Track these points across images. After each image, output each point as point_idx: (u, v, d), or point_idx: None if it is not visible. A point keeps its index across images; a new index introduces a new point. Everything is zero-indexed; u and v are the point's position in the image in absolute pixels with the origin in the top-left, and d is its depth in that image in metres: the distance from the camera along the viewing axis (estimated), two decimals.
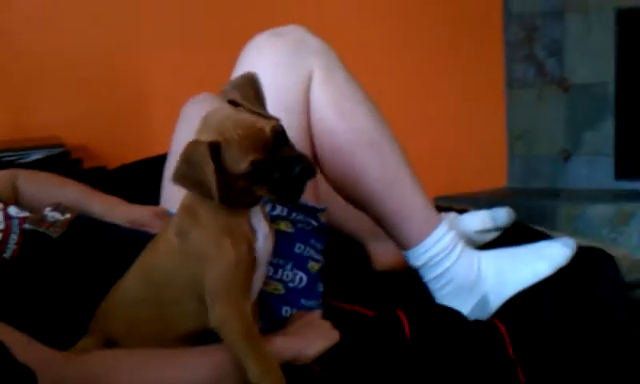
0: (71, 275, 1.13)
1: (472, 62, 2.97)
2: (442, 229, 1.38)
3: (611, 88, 2.86)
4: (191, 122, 1.61)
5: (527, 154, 3.06)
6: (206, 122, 0.96)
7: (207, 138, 0.92)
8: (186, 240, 0.97)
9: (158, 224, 1.33)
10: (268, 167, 0.92)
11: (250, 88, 0.98)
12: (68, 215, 1.25)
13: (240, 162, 0.91)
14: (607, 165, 2.89)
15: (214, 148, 0.91)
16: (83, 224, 1.25)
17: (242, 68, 1.31)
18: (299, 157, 0.94)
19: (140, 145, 2.24)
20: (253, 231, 0.98)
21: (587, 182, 2.92)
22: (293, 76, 1.29)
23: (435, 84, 2.90)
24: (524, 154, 3.07)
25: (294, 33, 1.33)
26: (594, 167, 2.91)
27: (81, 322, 1.04)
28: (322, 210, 1.29)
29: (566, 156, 2.97)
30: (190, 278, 0.95)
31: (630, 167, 2.88)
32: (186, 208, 0.99)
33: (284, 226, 1.23)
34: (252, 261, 0.97)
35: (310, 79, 1.31)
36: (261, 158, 0.91)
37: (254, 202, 0.98)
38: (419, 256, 1.38)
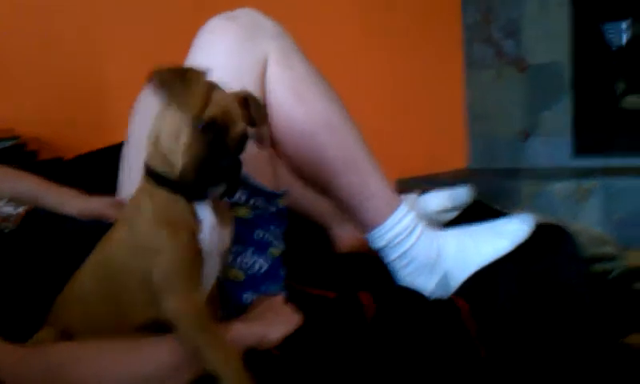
0: (25, 269, 1.11)
1: (431, 44, 2.98)
2: (402, 209, 1.38)
3: (567, 68, 2.89)
4: (147, 112, 1.60)
5: (486, 134, 3.08)
6: None
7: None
8: (132, 230, 0.95)
9: (115, 214, 1.31)
10: (212, 143, 0.92)
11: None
12: (21, 209, 1.23)
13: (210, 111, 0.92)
14: (565, 143, 2.93)
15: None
16: (38, 217, 1.23)
17: (195, 53, 1.30)
18: (237, 159, 0.94)
19: (97, 134, 2.20)
20: (197, 222, 0.95)
21: (546, 160, 2.96)
22: (247, 60, 1.28)
23: (395, 66, 2.91)
24: (483, 135, 3.09)
25: (247, 16, 1.32)
26: (552, 146, 2.95)
27: (37, 315, 1.02)
28: (282, 195, 1.28)
29: (525, 135, 3.00)
30: (140, 269, 0.93)
31: (588, 145, 2.93)
32: (133, 198, 0.98)
33: (242, 213, 1.22)
34: (196, 251, 0.94)
35: (265, 63, 1.30)
36: (219, 126, 0.92)
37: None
38: (381, 237, 1.39)
